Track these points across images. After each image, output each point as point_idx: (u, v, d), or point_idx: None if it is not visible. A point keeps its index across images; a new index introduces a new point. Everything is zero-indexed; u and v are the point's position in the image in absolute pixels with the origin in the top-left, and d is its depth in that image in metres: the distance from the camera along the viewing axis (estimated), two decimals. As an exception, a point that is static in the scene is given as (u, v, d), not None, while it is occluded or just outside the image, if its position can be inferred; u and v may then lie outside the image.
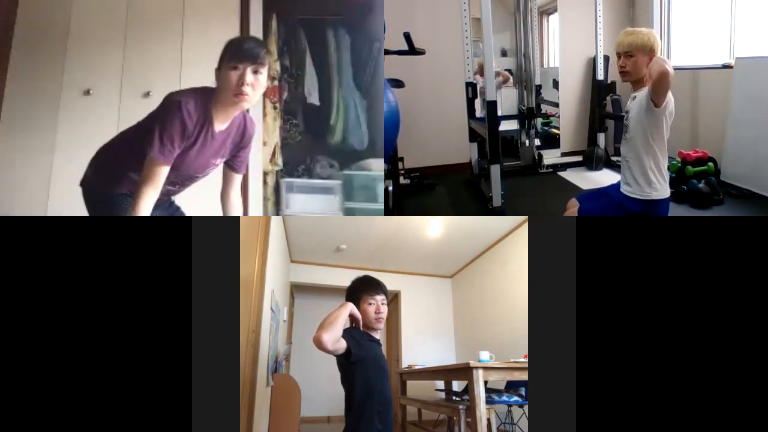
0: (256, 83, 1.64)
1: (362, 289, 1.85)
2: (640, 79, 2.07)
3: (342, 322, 1.67)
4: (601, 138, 4.92)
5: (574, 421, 1.73)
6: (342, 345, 1.64)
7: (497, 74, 4.59)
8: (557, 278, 1.80)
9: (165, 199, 1.92)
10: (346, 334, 1.67)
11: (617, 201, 2.17)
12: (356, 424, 1.66)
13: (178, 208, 2.04)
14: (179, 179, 1.86)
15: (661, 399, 1.73)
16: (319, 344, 1.58)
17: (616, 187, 2.24)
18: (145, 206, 1.63)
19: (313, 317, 5.77)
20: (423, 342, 5.25)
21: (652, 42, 2.02)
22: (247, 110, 1.80)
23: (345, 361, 1.68)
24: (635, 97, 2.10)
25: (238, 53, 1.65)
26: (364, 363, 1.70)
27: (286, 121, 3.20)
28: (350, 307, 1.75)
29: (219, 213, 2.73)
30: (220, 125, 1.74)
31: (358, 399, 1.67)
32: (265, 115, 2.96)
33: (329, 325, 1.62)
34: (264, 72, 1.66)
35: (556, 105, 5.07)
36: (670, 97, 1.99)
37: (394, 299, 5.29)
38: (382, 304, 1.84)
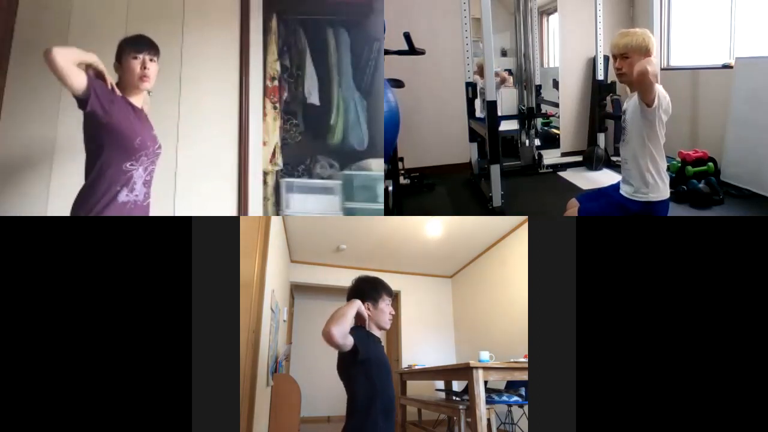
0: (153, 67, 2.02)
1: (382, 288, 1.87)
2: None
3: (351, 318, 1.67)
4: (601, 138, 4.93)
5: (574, 421, 1.73)
6: (350, 341, 1.63)
7: (495, 74, 4.59)
8: (557, 278, 1.80)
9: (128, 178, 1.98)
10: (352, 332, 1.66)
11: (617, 201, 2.17)
12: (361, 423, 1.65)
13: (146, 196, 2.07)
14: (135, 152, 1.98)
15: (661, 398, 1.73)
16: (329, 337, 1.57)
17: (616, 187, 2.24)
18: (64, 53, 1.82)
19: (313, 317, 5.81)
20: (423, 342, 5.25)
21: (647, 42, 2.02)
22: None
23: (351, 360, 1.66)
24: (631, 99, 2.11)
25: (137, 45, 2.01)
26: (370, 362, 1.69)
27: (286, 121, 3.19)
28: (358, 304, 1.75)
29: (218, 213, 2.74)
30: (137, 104, 2.04)
31: (363, 398, 1.66)
32: (265, 115, 2.96)
33: (338, 319, 1.62)
34: (156, 60, 2.04)
35: (556, 105, 5.07)
36: (663, 95, 1.99)
37: (394, 299, 5.29)
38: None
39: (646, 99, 1.98)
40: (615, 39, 2.08)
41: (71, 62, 1.82)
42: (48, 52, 1.77)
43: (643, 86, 1.97)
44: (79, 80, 1.84)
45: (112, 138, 1.93)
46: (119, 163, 1.96)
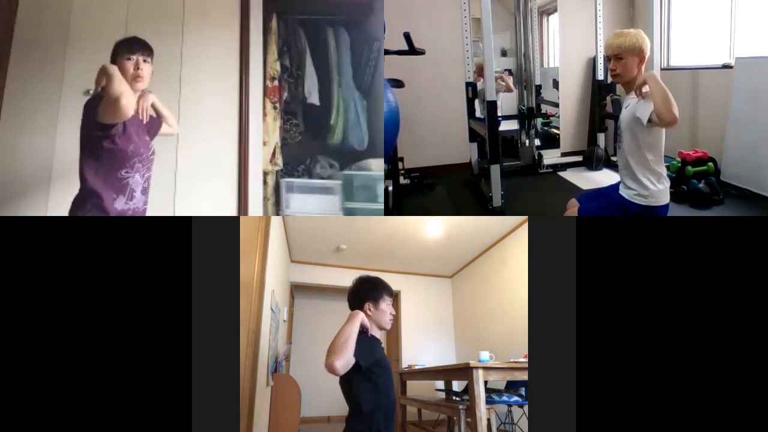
0: (146, 68, 2.04)
1: (383, 288, 1.84)
2: (631, 81, 2.05)
3: (354, 340, 1.60)
4: (601, 138, 4.92)
5: (574, 421, 1.73)
6: (351, 363, 1.59)
7: (501, 79, 4.61)
8: (557, 278, 1.80)
9: (123, 185, 2.00)
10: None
11: (617, 201, 2.17)
12: (363, 429, 1.64)
13: (144, 203, 2.09)
14: (128, 159, 2.00)
15: (661, 398, 1.73)
16: (332, 371, 1.53)
17: (615, 187, 2.24)
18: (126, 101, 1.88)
19: (313, 317, 5.78)
20: (423, 342, 5.25)
21: (640, 43, 2.02)
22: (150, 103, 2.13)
23: (353, 371, 1.62)
24: (628, 105, 2.07)
25: (131, 46, 2.02)
26: (371, 368, 1.67)
27: (286, 121, 3.19)
28: (360, 318, 1.70)
29: (218, 213, 2.74)
30: None
31: (367, 406, 1.64)
32: (265, 115, 2.96)
33: (341, 349, 1.55)
34: (150, 61, 2.05)
35: (556, 105, 5.07)
36: None
37: (394, 299, 5.29)
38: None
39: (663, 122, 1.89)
40: (609, 40, 2.08)
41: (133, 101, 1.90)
42: (124, 104, 1.85)
43: (667, 122, 1.88)
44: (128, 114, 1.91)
45: (106, 147, 1.94)
46: (114, 171, 1.97)
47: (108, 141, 1.92)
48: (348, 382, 1.69)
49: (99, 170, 1.94)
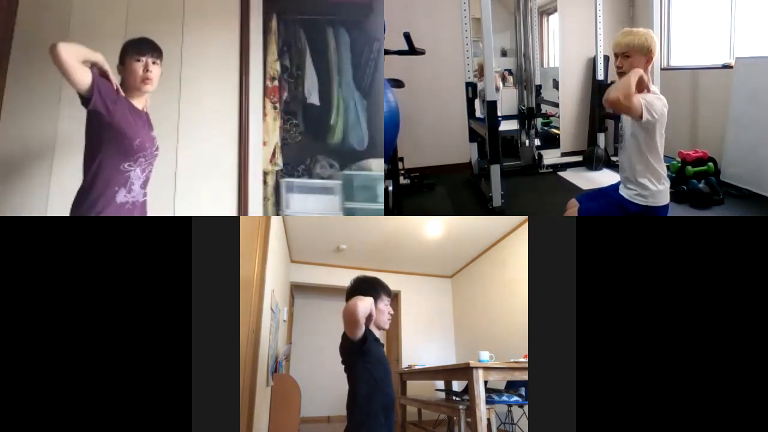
0: (155, 70, 2.03)
1: (381, 288, 1.86)
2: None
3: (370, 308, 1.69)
4: (601, 138, 4.93)
5: (574, 421, 1.73)
6: (363, 328, 1.65)
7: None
8: (557, 278, 1.80)
9: (125, 179, 1.99)
10: None
11: (617, 201, 2.17)
12: (362, 419, 1.65)
13: (144, 195, 2.08)
14: (133, 153, 1.99)
15: (661, 398, 1.73)
16: (353, 310, 1.60)
17: (615, 187, 2.24)
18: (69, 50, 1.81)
19: (313, 317, 5.79)
20: (423, 342, 5.25)
21: (649, 43, 2.02)
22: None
23: (358, 348, 1.67)
24: None
25: (140, 48, 2.02)
26: (370, 359, 1.69)
27: (286, 121, 3.19)
28: (372, 303, 1.74)
29: (218, 213, 2.74)
30: (138, 106, 2.05)
31: (364, 395, 1.66)
32: (265, 115, 2.96)
33: (365, 300, 1.65)
34: (159, 63, 2.05)
35: (556, 105, 5.07)
36: (653, 104, 1.97)
37: (394, 299, 5.29)
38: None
39: (632, 117, 1.98)
40: (617, 38, 2.08)
41: (76, 59, 1.82)
42: (53, 48, 1.76)
43: (621, 111, 1.98)
44: (84, 78, 1.84)
45: (111, 138, 1.94)
46: (117, 163, 1.96)
47: (116, 133, 1.92)
48: (350, 364, 1.71)
49: (103, 162, 1.94)
